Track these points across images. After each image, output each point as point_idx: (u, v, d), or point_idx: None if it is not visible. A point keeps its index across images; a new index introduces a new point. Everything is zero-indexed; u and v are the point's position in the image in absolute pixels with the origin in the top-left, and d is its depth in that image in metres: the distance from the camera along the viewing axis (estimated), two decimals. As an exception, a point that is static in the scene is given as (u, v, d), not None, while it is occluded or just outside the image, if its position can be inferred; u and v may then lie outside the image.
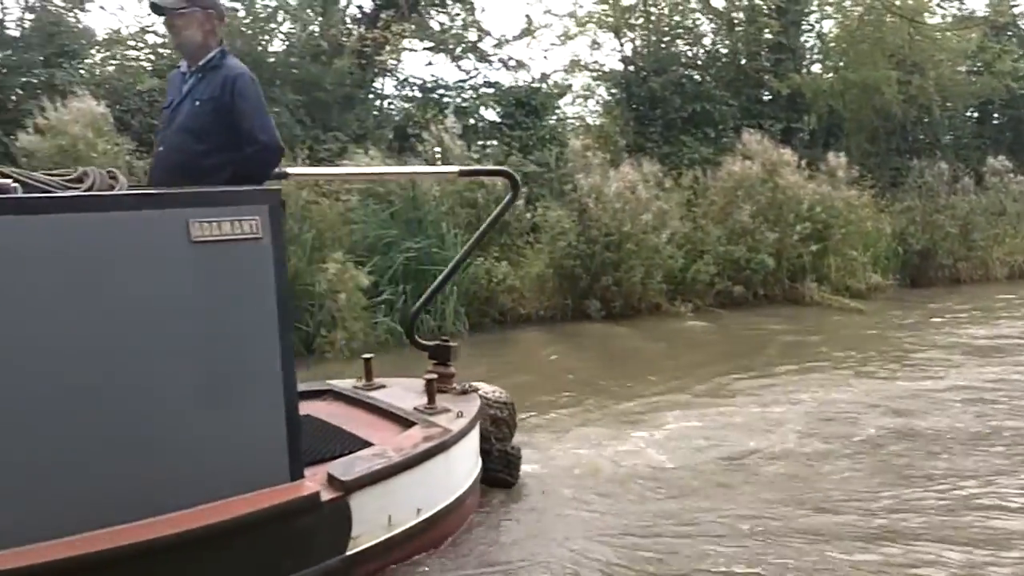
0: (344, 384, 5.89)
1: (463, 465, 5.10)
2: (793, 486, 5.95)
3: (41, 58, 12.74)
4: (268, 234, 3.92)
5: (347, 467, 4.35)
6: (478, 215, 12.61)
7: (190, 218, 3.75)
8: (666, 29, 18.52)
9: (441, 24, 16.80)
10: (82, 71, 13.08)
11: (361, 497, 4.24)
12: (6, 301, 3.39)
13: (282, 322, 3.99)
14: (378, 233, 11.84)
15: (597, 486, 5.92)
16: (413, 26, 16.16)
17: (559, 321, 12.86)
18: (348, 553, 4.20)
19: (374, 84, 16.26)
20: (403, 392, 5.62)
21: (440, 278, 6.53)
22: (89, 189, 3.77)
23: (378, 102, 16.28)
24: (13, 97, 12.16)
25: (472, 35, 16.79)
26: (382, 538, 4.37)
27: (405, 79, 16.51)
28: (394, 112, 16.00)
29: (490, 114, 16.07)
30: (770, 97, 18.78)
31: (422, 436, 4.81)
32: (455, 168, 6.11)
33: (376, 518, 4.34)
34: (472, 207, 12.65)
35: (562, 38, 18.47)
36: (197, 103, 4.61)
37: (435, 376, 5.39)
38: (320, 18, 15.08)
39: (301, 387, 5.65)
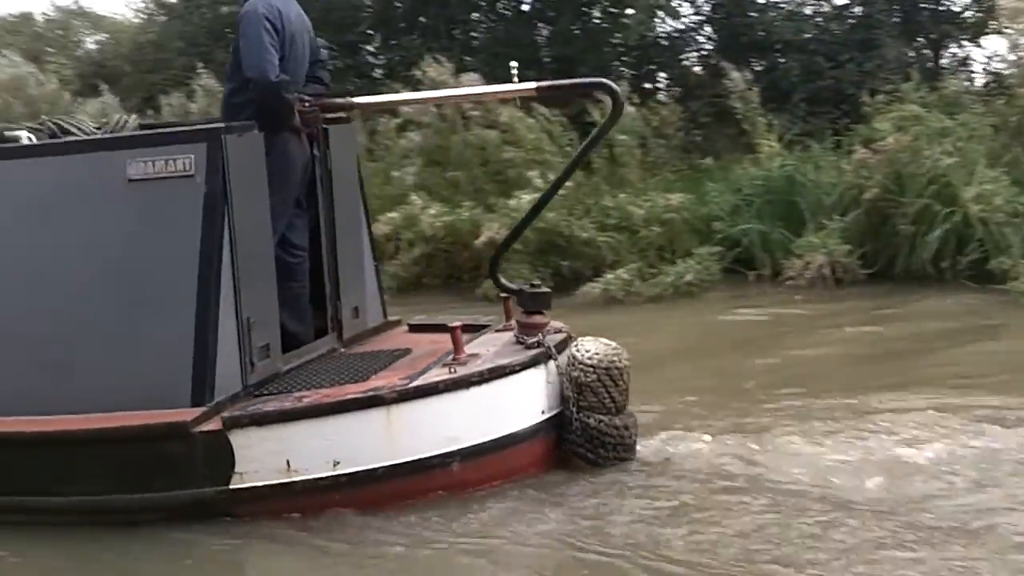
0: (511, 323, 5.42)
1: (436, 428, 4.59)
2: None
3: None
4: (203, 172, 4.31)
5: (254, 404, 4.46)
6: None
7: (127, 159, 4.37)
8: None
9: None
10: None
11: (247, 435, 4.32)
12: None
13: (206, 255, 4.32)
14: None
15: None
16: None
17: None
18: (231, 487, 4.33)
19: None
20: (499, 339, 5.19)
21: (528, 212, 5.83)
22: (113, 130, 4.89)
23: None
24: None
25: None
26: (274, 481, 4.35)
27: None
28: None
29: None
30: None
31: (369, 388, 4.57)
32: (531, 85, 5.23)
33: (268, 460, 4.35)
34: None
35: None
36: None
37: (459, 324, 4.96)
38: None
39: (483, 319, 5.66)
